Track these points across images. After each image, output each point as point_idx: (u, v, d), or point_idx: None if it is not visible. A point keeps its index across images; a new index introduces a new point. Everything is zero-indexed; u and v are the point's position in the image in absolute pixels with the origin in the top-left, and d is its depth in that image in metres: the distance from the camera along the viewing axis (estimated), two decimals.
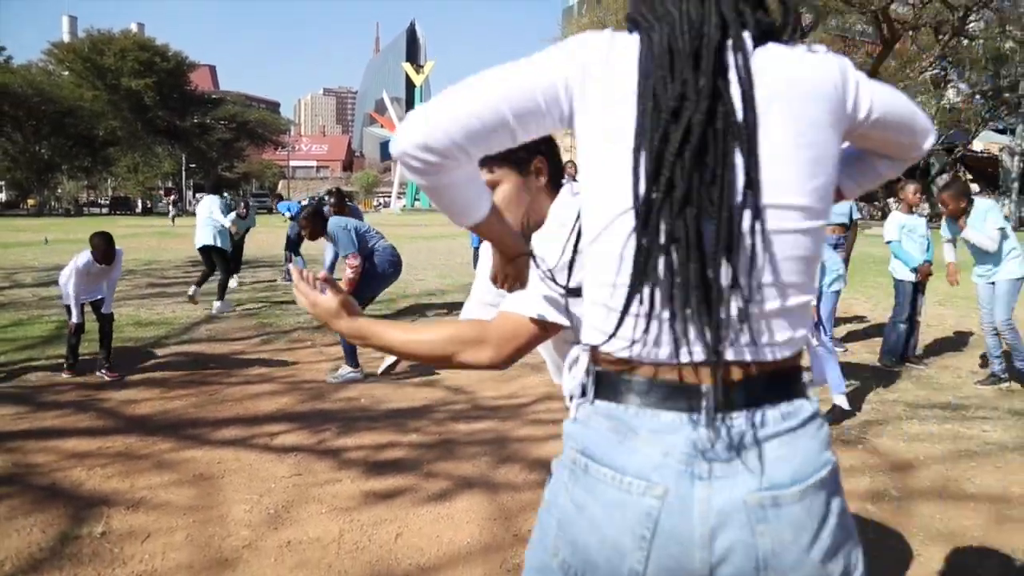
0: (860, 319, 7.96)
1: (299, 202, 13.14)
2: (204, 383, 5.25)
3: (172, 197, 42.71)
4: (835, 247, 6.10)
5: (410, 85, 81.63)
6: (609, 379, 0.96)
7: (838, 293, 5.07)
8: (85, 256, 5.35)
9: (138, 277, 11.48)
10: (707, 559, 0.88)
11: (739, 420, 0.91)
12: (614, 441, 0.93)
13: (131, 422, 4.37)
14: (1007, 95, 34.14)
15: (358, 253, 5.44)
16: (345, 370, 5.37)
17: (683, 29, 0.89)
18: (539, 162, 1.52)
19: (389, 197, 70.57)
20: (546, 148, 1.54)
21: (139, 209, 58.34)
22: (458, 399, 4.92)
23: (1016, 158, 32.16)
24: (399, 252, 6.05)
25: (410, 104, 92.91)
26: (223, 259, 8.57)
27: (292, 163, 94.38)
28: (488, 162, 1.48)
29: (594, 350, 0.99)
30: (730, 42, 0.89)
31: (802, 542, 0.89)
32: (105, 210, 58.94)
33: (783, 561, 0.88)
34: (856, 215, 6.24)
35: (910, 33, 25.69)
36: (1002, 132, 40.06)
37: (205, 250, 8.57)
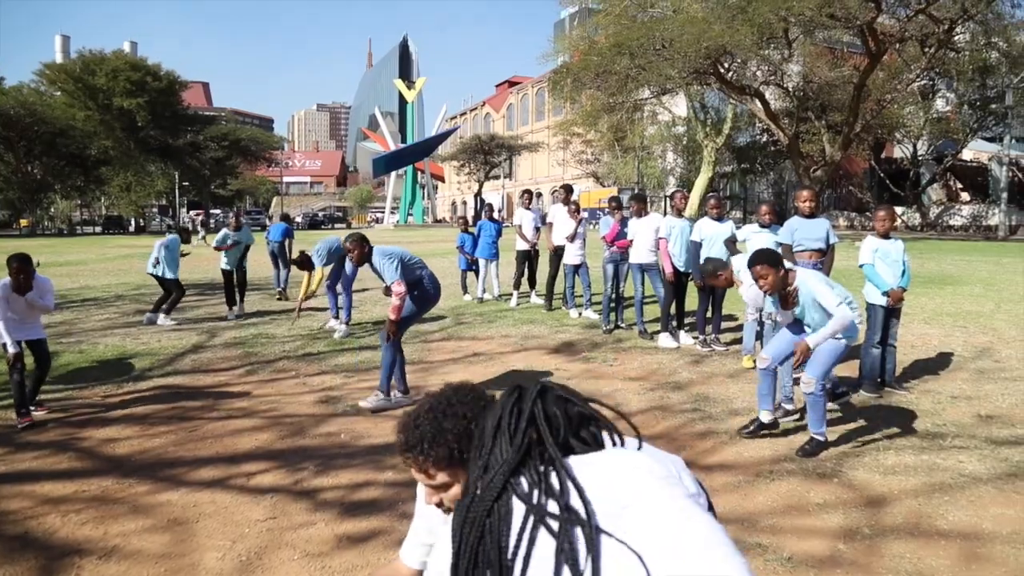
0: None
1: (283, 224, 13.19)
2: (185, 418, 5.24)
3: (199, 216, 42.86)
4: None
5: (402, 101, 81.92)
6: None
7: (848, 347, 4.41)
8: (4, 281, 5.04)
9: (126, 303, 11.47)
10: None
11: None
12: None
13: (110, 463, 4.36)
14: (994, 105, 34.43)
15: (402, 280, 5.34)
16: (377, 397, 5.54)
17: None
18: None
19: (383, 212, 70.63)
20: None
21: (132, 228, 58.23)
22: None
23: (1005, 167, 32.34)
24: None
25: (403, 119, 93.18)
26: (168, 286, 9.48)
27: (286, 179, 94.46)
28: (445, 466, 1.46)
29: None
30: None
31: None
32: (99, 229, 58.94)
33: None
34: (833, 239, 6.27)
35: (896, 46, 25.89)
36: (991, 141, 40.37)
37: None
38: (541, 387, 1.36)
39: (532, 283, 11.22)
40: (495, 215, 11.71)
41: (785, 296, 4.33)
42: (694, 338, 7.94)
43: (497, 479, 1.24)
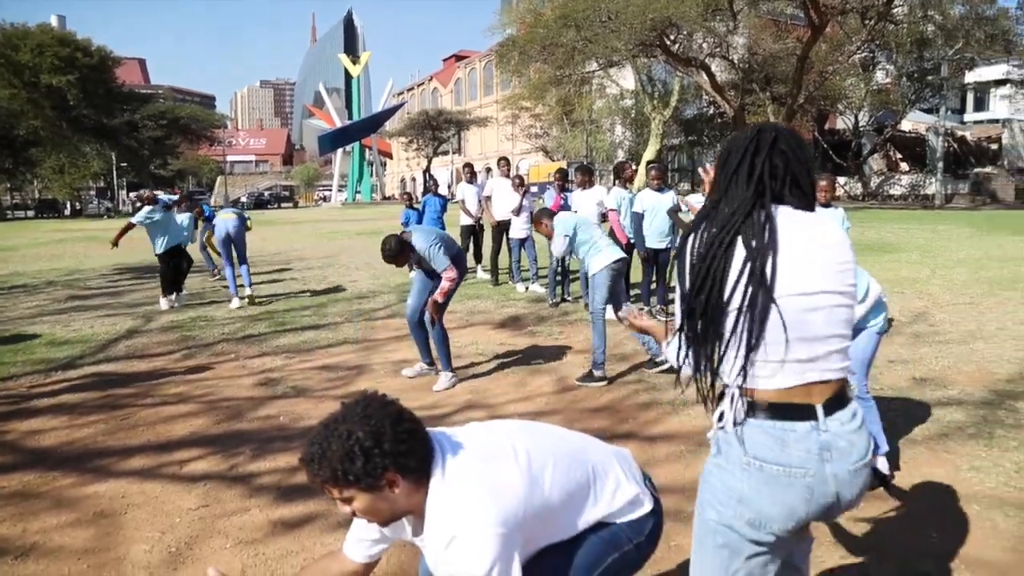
0: None
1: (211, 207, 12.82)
2: (117, 406, 5.04)
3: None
4: None
5: (348, 76, 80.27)
6: (758, 406, 1.52)
7: (881, 336, 3.77)
8: None
9: (58, 289, 11.02)
10: (835, 503, 1.52)
11: (833, 423, 1.51)
12: (776, 449, 1.49)
13: (33, 456, 4.16)
14: (930, 77, 35.32)
15: (454, 266, 5.09)
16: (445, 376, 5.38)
17: None
18: (390, 477, 1.55)
19: (330, 190, 69.42)
20: (394, 461, 1.55)
21: (67, 212, 56.05)
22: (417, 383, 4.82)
23: (941, 137, 33.28)
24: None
25: (348, 95, 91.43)
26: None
27: (230, 158, 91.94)
28: (333, 484, 1.54)
29: (746, 389, 1.52)
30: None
31: (859, 490, 1.56)
32: (31, 213, 56.58)
33: (854, 502, 1.55)
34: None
35: (838, 18, 26.28)
36: (928, 112, 41.48)
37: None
38: (775, 135, 1.58)
39: (477, 258, 11.12)
40: (440, 190, 11.55)
41: None
42: (639, 310, 7.95)
43: (736, 218, 1.53)
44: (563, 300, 8.79)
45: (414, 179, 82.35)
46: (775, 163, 1.56)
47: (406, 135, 65.66)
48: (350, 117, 71.29)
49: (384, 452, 1.53)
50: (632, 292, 8.56)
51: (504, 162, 10.41)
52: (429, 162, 64.98)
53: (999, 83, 42.85)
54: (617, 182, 8.37)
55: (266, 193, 70.26)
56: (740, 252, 1.50)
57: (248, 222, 9.42)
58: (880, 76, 38.10)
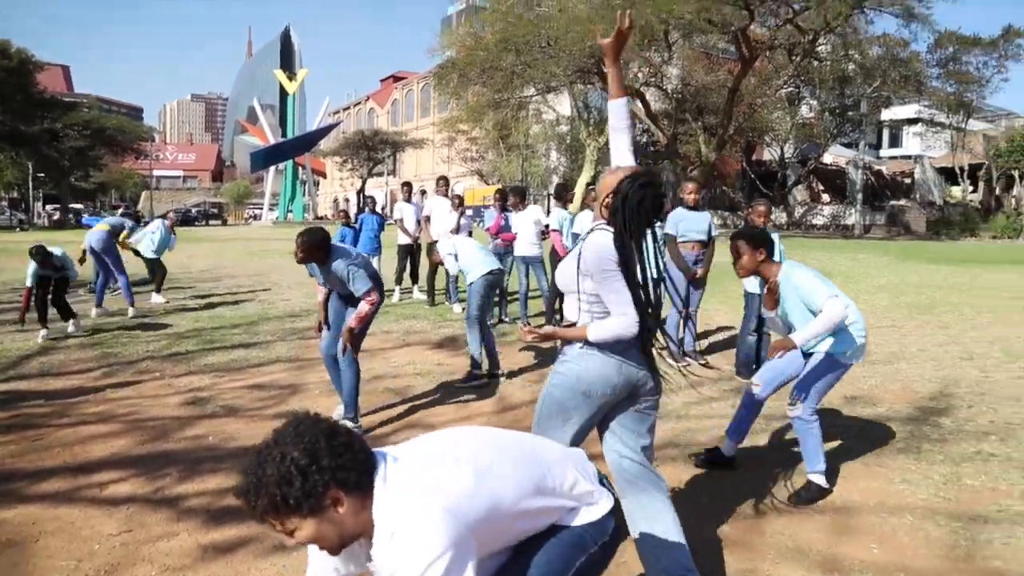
0: (725, 329, 8.27)
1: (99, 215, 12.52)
2: (29, 426, 4.71)
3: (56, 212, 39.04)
4: (695, 263, 6.28)
5: (283, 93, 79.08)
6: None
7: (847, 368, 3.70)
8: None
9: None
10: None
11: None
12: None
13: None
14: (851, 113, 37.11)
15: (376, 288, 4.63)
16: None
17: None
18: (333, 494, 1.47)
19: (261, 209, 67.88)
20: (334, 476, 1.47)
21: None
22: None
23: (860, 171, 34.91)
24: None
25: (283, 113, 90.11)
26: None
27: (156, 172, 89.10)
28: (275, 514, 1.46)
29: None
30: None
31: None
32: None
33: None
34: (714, 232, 6.45)
35: (767, 53, 27.38)
36: (848, 146, 43.54)
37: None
38: (647, 180, 2.45)
39: (414, 278, 10.98)
40: (378, 209, 11.40)
41: (768, 291, 3.64)
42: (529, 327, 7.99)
43: (637, 248, 2.41)
44: (500, 321, 8.75)
45: (347, 199, 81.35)
46: (650, 201, 2.42)
47: (341, 154, 64.87)
48: (284, 134, 70.06)
49: (322, 468, 1.45)
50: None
51: (443, 181, 10.36)
52: (364, 183, 64.33)
53: (911, 121, 45.40)
54: (558, 203, 8.42)
55: (194, 210, 68.12)
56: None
57: (124, 234, 9.63)
58: (804, 110, 39.81)
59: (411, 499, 1.49)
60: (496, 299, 8.76)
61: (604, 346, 2.44)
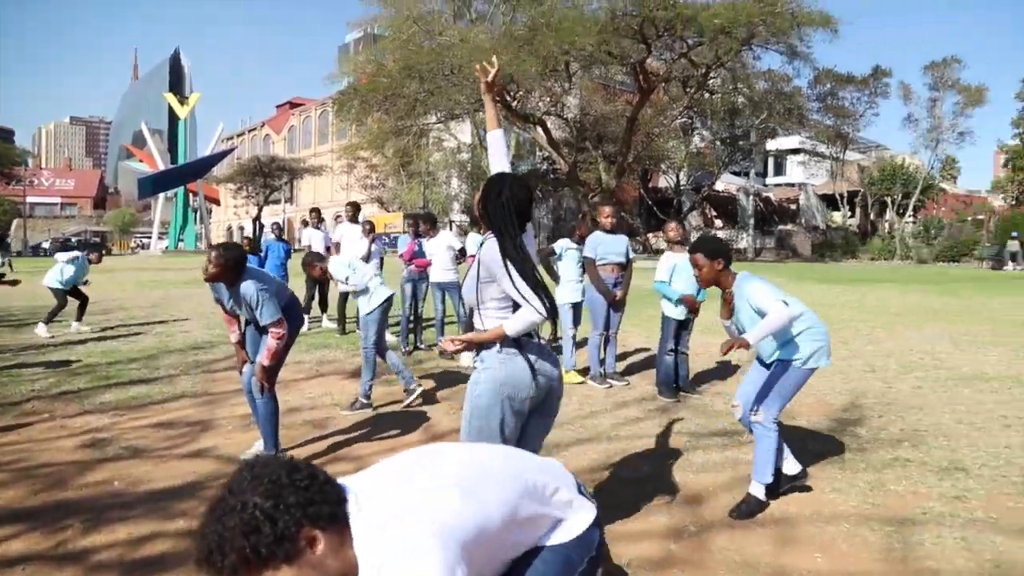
0: (642, 351, 8.39)
1: None
2: None
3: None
4: (615, 285, 6.34)
5: (173, 117, 75.90)
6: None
7: (808, 374, 3.73)
8: None
9: None
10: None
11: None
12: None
13: None
14: (742, 142, 39.17)
15: (284, 319, 4.28)
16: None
17: None
18: (308, 534, 1.32)
19: (148, 238, 64.55)
20: (304, 513, 1.32)
21: None
22: (233, 470, 4.35)
23: (751, 197, 36.79)
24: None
25: (173, 138, 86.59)
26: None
27: (31, 199, 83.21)
28: (247, 572, 1.29)
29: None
30: None
31: None
32: None
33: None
34: (631, 254, 6.55)
35: (663, 85, 28.52)
36: (737, 175, 45.83)
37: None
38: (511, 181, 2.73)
39: (323, 306, 10.65)
40: (284, 235, 11.02)
41: (724, 301, 3.76)
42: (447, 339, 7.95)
43: (517, 240, 2.63)
44: (416, 348, 8.57)
45: (242, 228, 78.64)
46: (510, 192, 2.67)
47: (236, 181, 62.67)
48: (174, 161, 67.13)
49: (289, 506, 1.30)
50: None
51: (351, 207, 10.14)
52: (260, 210, 62.36)
53: (794, 151, 48.34)
54: (474, 229, 8.38)
55: (73, 239, 64.02)
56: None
57: None
58: (697, 140, 41.70)
59: (394, 529, 1.35)
60: (411, 326, 8.60)
61: (519, 349, 2.60)
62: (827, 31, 25.82)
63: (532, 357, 2.60)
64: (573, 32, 23.30)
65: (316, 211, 10.47)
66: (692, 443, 4.78)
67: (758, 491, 3.64)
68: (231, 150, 68.19)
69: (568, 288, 6.75)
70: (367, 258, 9.35)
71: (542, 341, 2.72)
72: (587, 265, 6.35)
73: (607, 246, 6.32)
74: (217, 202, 79.68)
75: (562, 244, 6.96)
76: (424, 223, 8.50)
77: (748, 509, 3.58)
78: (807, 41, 26.34)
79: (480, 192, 2.73)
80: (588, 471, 4.24)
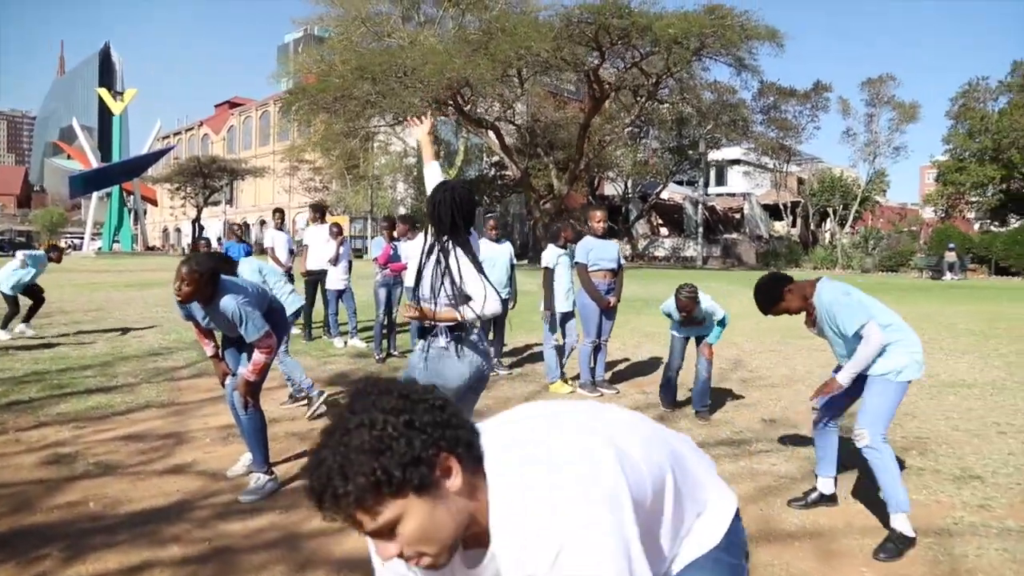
0: (623, 360, 8.27)
1: None
2: None
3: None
4: (607, 292, 6.18)
5: (106, 113, 73.07)
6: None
7: (906, 387, 3.48)
8: None
9: None
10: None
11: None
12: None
13: None
14: (690, 152, 39.84)
15: (271, 331, 3.89)
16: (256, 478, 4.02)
17: None
18: (445, 461, 1.10)
19: (80, 239, 61.82)
20: (443, 435, 1.10)
21: None
22: (222, 487, 4.02)
23: (700, 206, 37.42)
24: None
25: (105, 134, 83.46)
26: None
27: None
28: (372, 501, 1.06)
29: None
30: None
31: None
32: None
33: None
34: (621, 260, 6.41)
35: (615, 93, 28.76)
36: (680, 184, 46.60)
37: None
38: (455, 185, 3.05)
39: None
40: (244, 237, 10.54)
41: (807, 313, 3.58)
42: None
43: (446, 244, 2.96)
44: (389, 355, 8.27)
45: (178, 229, 76.11)
46: (451, 196, 3.00)
47: (174, 181, 60.60)
48: (106, 159, 64.51)
49: (425, 424, 1.08)
50: None
51: (316, 209, 9.78)
52: (199, 212, 60.45)
53: (734, 162, 49.44)
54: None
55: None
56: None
57: None
58: (644, 149, 42.23)
59: (561, 501, 1.10)
60: (385, 332, 8.30)
61: (457, 343, 3.00)
62: (773, 45, 26.49)
63: (467, 351, 3.01)
64: (528, 37, 23.28)
65: (280, 212, 10.05)
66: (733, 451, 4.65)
67: (902, 524, 3.23)
68: (169, 149, 66.07)
69: (560, 297, 6.60)
70: (335, 261, 9.03)
71: (479, 334, 3.10)
72: (579, 271, 6.18)
73: (599, 251, 6.16)
74: (154, 202, 77.04)
75: (552, 254, 6.80)
76: (403, 224, 8.21)
77: (897, 548, 3.15)
78: (755, 54, 26.96)
79: (429, 197, 3.07)
80: None
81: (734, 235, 42.44)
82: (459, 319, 2.92)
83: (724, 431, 5.20)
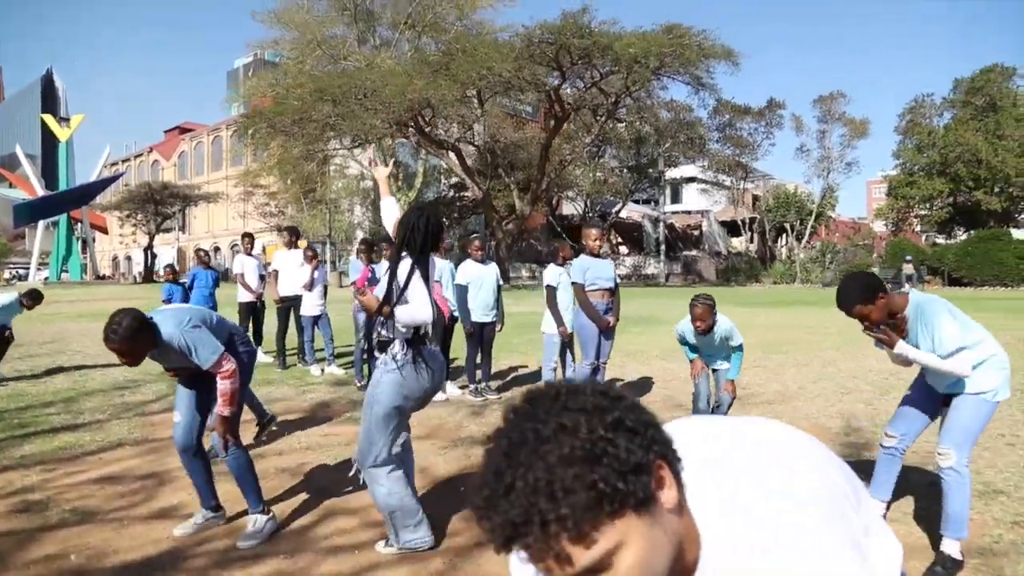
0: (616, 380, 8.10)
1: None
2: None
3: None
4: (605, 312, 6.01)
5: (50, 140, 71.02)
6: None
7: (995, 407, 3.29)
8: None
9: None
10: None
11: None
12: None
13: None
14: (648, 170, 40.32)
15: (228, 353, 3.55)
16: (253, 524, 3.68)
17: None
18: (659, 472, 0.89)
19: (26, 269, 59.67)
20: (653, 439, 0.88)
21: None
22: (216, 532, 3.70)
23: (660, 224, 37.81)
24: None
25: (49, 161, 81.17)
26: None
27: None
28: (588, 523, 0.81)
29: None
30: None
31: None
32: None
33: None
34: (616, 279, 6.27)
35: (574, 113, 28.97)
36: (638, 203, 47.10)
37: None
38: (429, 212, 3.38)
39: (258, 339, 9.82)
40: (211, 262, 10.16)
41: (896, 328, 3.30)
42: (461, 387, 7.46)
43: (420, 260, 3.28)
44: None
45: (129, 257, 74.05)
46: (424, 221, 3.30)
47: (124, 209, 58.97)
48: (51, 187, 62.50)
49: (636, 424, 0.87)
50: (454, 365, 8.03)
51: (290, 233, 9.48)
52: (151, 239, 58.92)
53: (690, 180, 50.24)
54: (436, 254, 7.90)
55: None
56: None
57: None
58: (605, 167, 42.61)
59: (813, 538, 0.92)
60: (365, 357, 8.00)
61: (417, 355, 3.24)
62: (729, 63, 26.99)
63: (425, 363, 3.25)
64: (490, 58, 23.30)
65: (249, 236, 9.71)
66: None
67: (953, 549, 3.11)
68: (119, 176, 64.53)
69: (564, 317, 6.51)
70: (310, 286, 8.73)
71: (433, 346, 3.35)
72: (576, 291, 6.01)
73: (595, 271, 5.99)
74: (104, 230, 74.89)
75: (554, 272, 6.65)
76: (386, 246, 7.96)
77: (947, 572, 3.04)
78: (712, 72, 27.43)
79: (400, 219, 3.36)
80: None
81: (694, 252, 42.96)
82: (387, 312, 3.19)
83: None
